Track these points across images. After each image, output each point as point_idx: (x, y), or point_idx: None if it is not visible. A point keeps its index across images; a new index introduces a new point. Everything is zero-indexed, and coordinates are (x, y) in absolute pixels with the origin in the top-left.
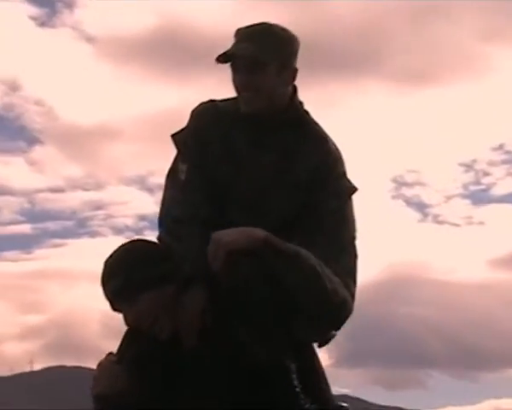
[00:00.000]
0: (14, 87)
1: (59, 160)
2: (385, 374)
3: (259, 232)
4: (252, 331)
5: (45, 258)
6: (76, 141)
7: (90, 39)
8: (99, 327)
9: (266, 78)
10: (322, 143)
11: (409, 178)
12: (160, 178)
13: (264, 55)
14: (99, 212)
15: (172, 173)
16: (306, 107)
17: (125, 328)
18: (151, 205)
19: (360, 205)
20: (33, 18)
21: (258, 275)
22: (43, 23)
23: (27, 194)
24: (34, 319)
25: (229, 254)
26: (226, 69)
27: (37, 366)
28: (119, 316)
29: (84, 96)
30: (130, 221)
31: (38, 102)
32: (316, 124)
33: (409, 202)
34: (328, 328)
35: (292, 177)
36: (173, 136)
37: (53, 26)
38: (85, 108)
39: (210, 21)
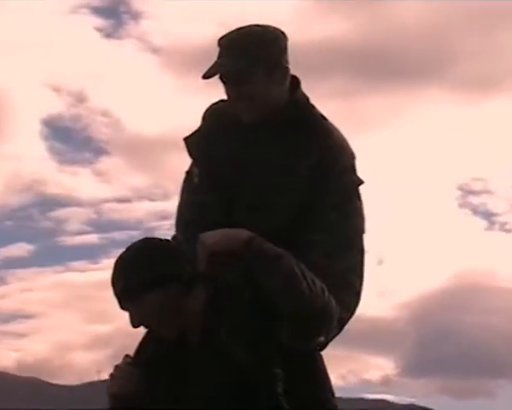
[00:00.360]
0: (80, 98)
1: (125, 170)
2: (452, 383)
3: (243, 234)
4: (234, 334)
5: (111, 268)
6: (142, 151)
7: (155, 50)
8: None
9: (256, 85)
10: (324, 138)
11: (475, 187)
12: None
13: (246, 65)
14: (165, 222)
15: (188, 177)
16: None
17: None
18: None
19: (427, 213)
20: (99, 29)
21: (239, 278)
22: (108, 34)
23: (94, 204)
24: (101, 329)
25: (211, 256)
26: None
27: (105, 376)
28: None
29: (149, 107)
30: None
31: (105, 113)
32: (321, 118)
33: (475, 211)
34: (309, 334)
35: (294, 175)
36: (185, 139)
37: (119, 38)
38: (151, 118)
39: None
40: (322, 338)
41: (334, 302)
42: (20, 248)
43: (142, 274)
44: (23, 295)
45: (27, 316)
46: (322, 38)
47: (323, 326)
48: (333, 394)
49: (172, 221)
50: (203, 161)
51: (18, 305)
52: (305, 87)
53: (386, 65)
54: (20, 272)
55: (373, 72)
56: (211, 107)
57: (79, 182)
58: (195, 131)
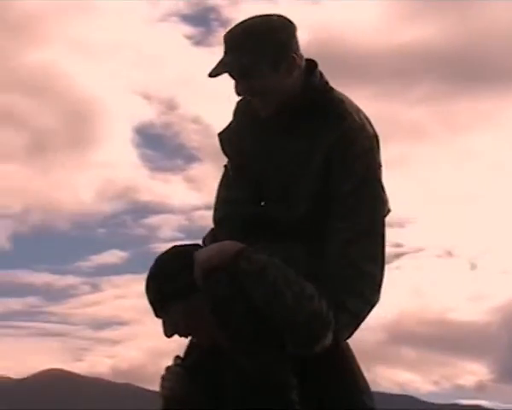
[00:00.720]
0: (171, 106)
1: (216, 177)
2: None
3: (232, 248)
4: (233, 343)
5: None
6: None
7: None
8: None
9: (264, 80)
10: (339, 123)
11: None
12: None
13: (250, 60)
14: None
15: (225, 171)
16: None
17: None
18: None
19: None
20: (189, 37)
21: (235, 291)
22: (198, 42)
23: (186, 211)
24: None
25: (204, 273)
26: (380, 82)
27: None
28: None
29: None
30: None
31: (195, 120)
32: (338, 102)
33: None
34: (306, 342)
35: (311, 163)
36: (219, 134)
37: (208, 45)
38: None
39: (361, 34)
40: (326, 342)
41: (325, 307)
42: (114, 256)
43: (166, 285)
44: (117, 302)
45: (121, 323)
46: (409, 42)
47: (315, 333)
48: (366, 393)
49: None
50: (235, 157)
51: (112, 312)
52: (393, 92)
53: (475, 68)
54: (114, 278)
55: (461, 75)
56: (240, 102)
57: (171, 189)
58: (227, 127)
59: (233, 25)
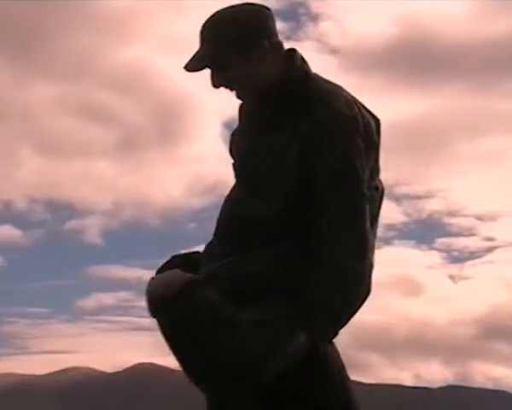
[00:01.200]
0: None
1: None
2: None
3: (178, 281)
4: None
5: None
6: None
7: (334, 51)
8: (349, 337)
9: (236, 70)
10: (314, 112)
11: None
12: (407, 188)
13: (220, 52)
14: None
15: None
16: None
17: None
18: (398, 214)
19: None
20: (278, 32)
21: (182, 323)
22: (287, 37)
23: None
24: None
25: (150, 304)
26: (472, 75)
27: None
28: (370, 326)
29: None
30: (378, 231)
31: None
32: (316, 90)
33: None
34: (236, 384)
35: (288, 157)
36: (231, 136)
37: (297, 40)
38: None
39: (450, 28)
40: (269, 374)
41: (266, 340)
42: None
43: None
44: None
45: None
46: (500, 33)
47: (248, 375)
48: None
49: None
50: (233, 157)
51: None
52: (486, 85)
53: None
54: None
55: None
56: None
57: None
58: (235, 128)
59: (320, 19)
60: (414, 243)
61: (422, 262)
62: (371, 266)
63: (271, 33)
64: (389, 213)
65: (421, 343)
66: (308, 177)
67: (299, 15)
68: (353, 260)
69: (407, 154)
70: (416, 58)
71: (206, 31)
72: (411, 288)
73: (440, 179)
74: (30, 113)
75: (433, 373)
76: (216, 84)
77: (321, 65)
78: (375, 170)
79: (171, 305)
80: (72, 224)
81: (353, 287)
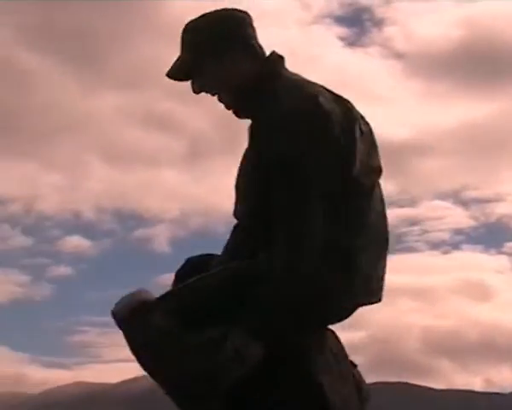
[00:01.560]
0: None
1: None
2: None
3: (131, 303)
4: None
5: None
6: (389, 158)
7: (399, 56)
8: (419, 343)
9: (209, 76)
10: (266, 112)
11: None
12: (475, 192)
13: (193, 58)
14: (414, 227)
15: None
16: None
17: None
18: (466, 219)
19: None
20: (342, 38)
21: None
22: (351, 43)
23: None
24: (355, 336)
25: (119, 321)
26: None
27: None
28: (440, 331)
29: (395, 113)
30: (446, 235)
31: None
32: (279, 89)
33: None
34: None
35: (252, 160)
36: None
37: (362, 45)
38: (397, 123)
39: None
40: (221, 391)
41: (216, 364)
42: None
43: None
44: None
45: None
46: None
47: (198, 398)
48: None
49: (422, 226)
50: None
51: None
52: None
53: None
54: None
55: None
56: None
57: None
58: None
59: (384, 24)
60: (482, 247)
61: (491, 267)
62: (309, 274)
63: (245, 37)
64: (457, 217)
65: (491, 348)
66: (260, 177)
67: (364, 21)
68: (293, 250)
69: (475, 158)
70: (481, 61)
71: (182, 38)
72: (481, 293)
73: (509, 183)
74: (97, 123)
75: (505, 378)
76: (196, 91)
77: (386, 70)
78: (348, 165)
79: (126, 327)
80: (140, 233)
81: (292, 291)
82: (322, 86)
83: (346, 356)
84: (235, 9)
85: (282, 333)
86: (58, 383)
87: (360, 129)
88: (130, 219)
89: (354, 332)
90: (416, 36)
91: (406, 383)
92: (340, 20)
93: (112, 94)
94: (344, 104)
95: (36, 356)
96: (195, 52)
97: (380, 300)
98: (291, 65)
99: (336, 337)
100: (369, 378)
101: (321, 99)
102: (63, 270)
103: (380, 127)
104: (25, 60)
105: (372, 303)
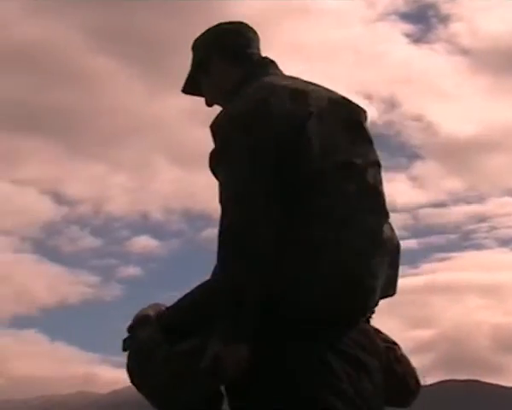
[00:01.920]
0: (392, 104)
1: (440, 174)
2: None
3: (134, 318)
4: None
5: (431, 272)
6: (456, 154)
7: (465, 52)
8: (489, 340)
9: (203, 87)
10: (224, 112)
11: None
12: None
13: (192, 71)
14: (483, 224)
15: None
16: None
17: None
18: None
19: None
20: (408, 35)
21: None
22: (417, 39)
23: (410, 209)
24: (424, 334)
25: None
26: None
27: (430, 380)
28: (510, 329)
29: (462, 109)
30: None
31: (417, 118)
32: (249, 90)
33: None
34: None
35: None
36: None
37: (427, 42)
38: (464, 120)
39: None
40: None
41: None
42: None
43: None
44: None
45: None
46: None
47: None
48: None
49: (491, 223)
50: None
51: None
52: None
53: None
54: None
55: None
56: None
57: (395, 187)
58: None
59: (450, 20)
60: None
61: None
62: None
63: (236, 46)
64: None
65: None
66: None
67: (429, 17)
68: (222, 246)
69: None
70: None
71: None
72: None
73: None
74: (164, 124)
75: None
76: (207, 104)
77: (451, 66)
78: (303, 160)
79: (125, 343)
80: (209, 233)
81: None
82: (305, 83)
83: (376, 350)
84: (230, 22)
85: (251, 333)
86: (128, 382)
87: (330, 122)
88: (199, 220)
89: (424, 330)
90: (482, 32)
91: (477, 381)
92: (406, 16)
93: (177, 96)
94: (305, 102)
95: (106, 356)
96: (194, 68)
97: (392, 294)
98: (355, 63)
99: (363, 331)
100: (439, 376)
101: (270, 100)
102: (132, 270)
103: (446, 124)
104: (92, 63)
105: (381, 298)
